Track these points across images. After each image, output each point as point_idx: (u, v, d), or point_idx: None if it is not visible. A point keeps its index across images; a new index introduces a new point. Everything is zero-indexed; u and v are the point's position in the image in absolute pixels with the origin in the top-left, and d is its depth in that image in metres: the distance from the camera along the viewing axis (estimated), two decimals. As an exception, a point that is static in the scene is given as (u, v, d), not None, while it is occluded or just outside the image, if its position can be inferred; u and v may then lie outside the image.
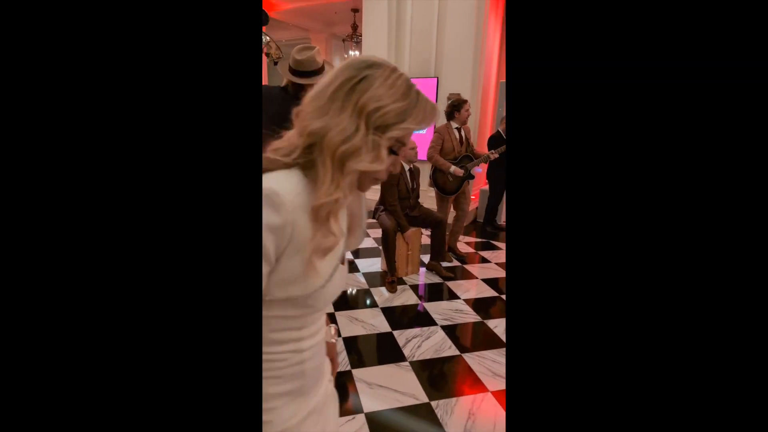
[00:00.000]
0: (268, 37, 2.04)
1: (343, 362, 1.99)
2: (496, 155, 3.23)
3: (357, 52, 7.16)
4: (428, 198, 4.35)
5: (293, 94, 1.44)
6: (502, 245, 4.02)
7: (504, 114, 4.54)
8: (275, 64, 1.92)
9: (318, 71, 1.45)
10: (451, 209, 3.49)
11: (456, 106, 3.18)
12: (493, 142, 4.09)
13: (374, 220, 3.05)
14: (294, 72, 1.40)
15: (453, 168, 3.13)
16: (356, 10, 6.51)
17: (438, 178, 3.25)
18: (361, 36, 6.22)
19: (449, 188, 3.24)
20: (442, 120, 3.26)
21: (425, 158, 3.23)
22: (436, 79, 4.63)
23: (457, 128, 3.22)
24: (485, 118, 4.93)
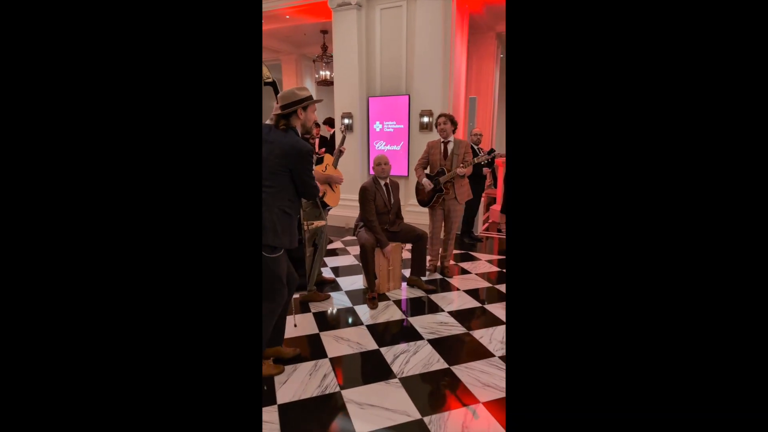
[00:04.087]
0: None
1: (332, 383, 1.94)
2: (464, 170, 3.19)
3: (328, 72, 7.22)
4: (407, 213, 4.38)
5: (276, 124, 1.94)
6: (481, 256, 4.07)
7: (475, 127, 4.66)
8: (264, 85, 2.16)
9: (300, 101, 1.89)
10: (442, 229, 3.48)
11: (436, 122, 3.34)
12: (466, 155, 4.18)
13: (354, 237, 3.03)
14: (282, 107, 1.90)
15: (424, 180, 3.27)
16: (325, 32, 6.59)
17: (417, 190, 3.41)
18: (331, 56, 6.29)
19: (423, 199, 3.39)
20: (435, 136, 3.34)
21: (405, 174, 3.33)
22: (407, 96, 4.72)
23: (443, 143, 3.30)
24: (457, 133, 5.04)
